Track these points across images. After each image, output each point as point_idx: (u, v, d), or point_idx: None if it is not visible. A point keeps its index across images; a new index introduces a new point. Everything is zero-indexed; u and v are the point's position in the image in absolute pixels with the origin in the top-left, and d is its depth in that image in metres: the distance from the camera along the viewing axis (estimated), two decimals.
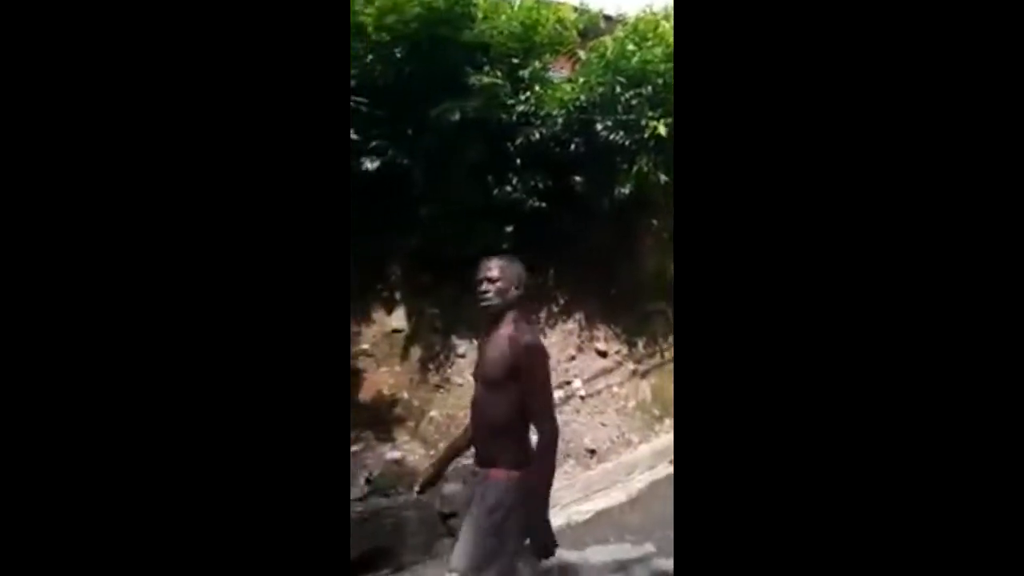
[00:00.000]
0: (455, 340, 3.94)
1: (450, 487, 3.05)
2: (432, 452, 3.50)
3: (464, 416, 3.71)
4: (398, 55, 3.84)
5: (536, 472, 1.40)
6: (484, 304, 1.50)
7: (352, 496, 2.85)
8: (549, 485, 1.42)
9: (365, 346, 4.05)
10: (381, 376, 4.02)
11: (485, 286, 1.49)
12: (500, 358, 1.43)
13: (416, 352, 3.94)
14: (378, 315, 4.12)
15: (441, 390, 3.75)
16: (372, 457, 3.09)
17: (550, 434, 1.41)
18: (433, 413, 3.63)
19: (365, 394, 4.00)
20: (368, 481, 2.92)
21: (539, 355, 1.44)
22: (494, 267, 1.50)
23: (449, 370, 3.83)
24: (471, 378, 3.94)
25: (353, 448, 3.42)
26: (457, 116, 3.51)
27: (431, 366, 3.85)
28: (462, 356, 3.90)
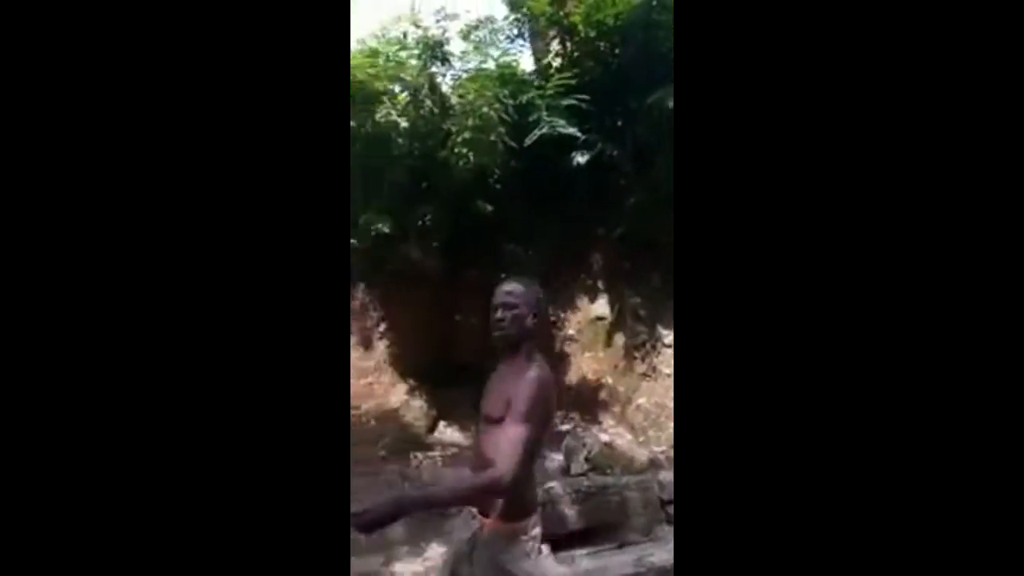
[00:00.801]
0: (661, 330, 3.91)
1: (666, 474, 3.07)
2: (641, 439, 3.55)
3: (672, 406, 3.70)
4: (602, 48, 3.92)
5: (446, 486, 1.34)
6: (499, 334, 1.37)
7: (573, 471, 3.03)
8: (438, 501, 1.40)
9: (571, 332, 4.26)
10: (585, 361, 4.19)
11: (501, 313, 1.36)
12: (501, 394, 1.30)
13: (620, 340, 4.01)
14: (582, 303, 4.30)
15: (648, 378, 3.77)
16: (589, 436, 3.24)
17: (494, 476, 1.19)
18: (641, 401, 3.67)
19: (571, 377, 4.22)
20: (587, 459, 3.07)
21: (537, 389, 1.26)
22: (511, 293, 1.37)
23: (656, 359, 3.82)
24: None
25: (562, 427, 3.63)
26: (671, 103, 3.45)
27: (637, 355, 3.88)
28: (668, 346, 3.86)
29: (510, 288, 1.39)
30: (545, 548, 1.42)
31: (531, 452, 1.25)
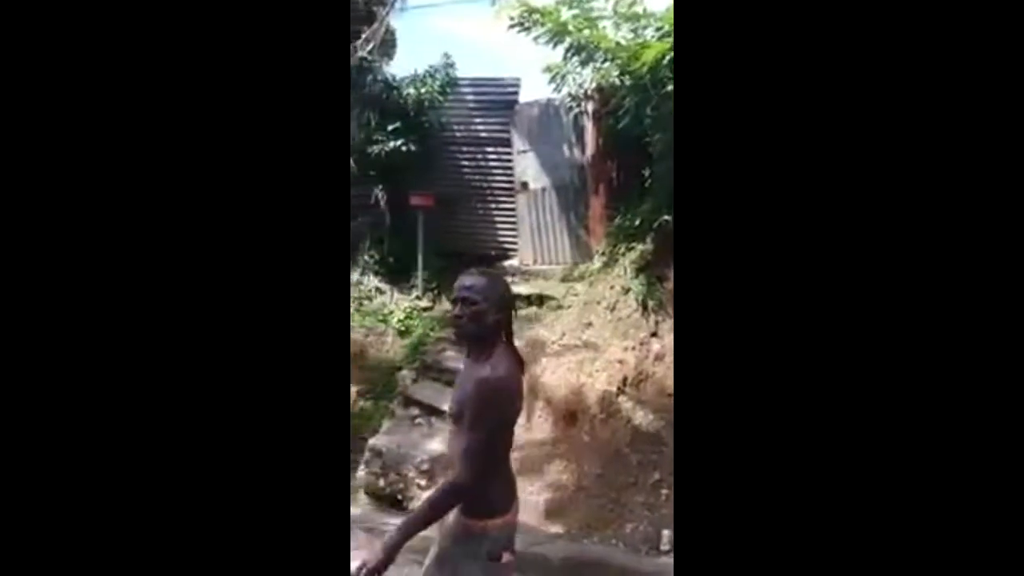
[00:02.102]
0: None
1: None
2: None
3: None
4: None
5: (420, 507, 1.31)
6: (457, 332, 1.37)
7: None
8: (414, 526, 1.26)
9: None
10: None
11: (459, 309, 1.32)
12: (456, 393, 1.35)
13: None
14: None
15: None
16: None
17: (448, 486, 1.26)
18: None
19: None
20: None
21: (483, 392, 1.24)
22: (471, 288, 1.32)
23: None
24: None
25: None
26: None
27: None
28: None
29: (470, 282, 1.32)
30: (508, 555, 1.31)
31: (485, 455, 1.26)
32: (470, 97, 5.13)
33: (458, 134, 5.18)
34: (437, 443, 3.48)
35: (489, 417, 1.24)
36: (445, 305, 4.89)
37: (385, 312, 4.66)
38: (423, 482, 3.24)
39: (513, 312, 1.38)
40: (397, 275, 5.01)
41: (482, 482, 1.27)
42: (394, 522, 3.12)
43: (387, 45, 4.59)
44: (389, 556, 1.23)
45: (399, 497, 3.22)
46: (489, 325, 1.30)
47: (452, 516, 1.32)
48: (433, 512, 1.28)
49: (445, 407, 3.74)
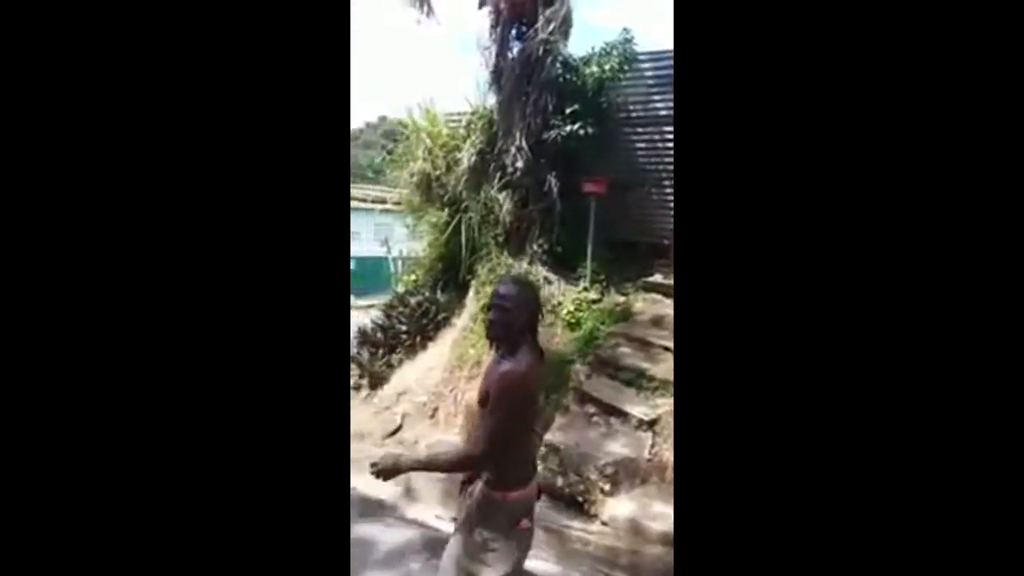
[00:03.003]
0: None
1: None
2: None
3: None
4: None
5: (433, 453, 1.79)
6: (490, 335, 1.55)
7: None
8: (425, 464, 1.59)
9: None
10: None
11: (493, 315, 1.52)
12: (483, 382, 1.52)
13: None
14: None
15: None
16: None
17: (464, 452, 1.67)
18: None
19: None
20: None
21: (505, 383, 1.43)
22: (504, 296, 1.51)
23: None
24: None
25: None
26: None
27: None
28: None
29: (504, 291, 1.53)
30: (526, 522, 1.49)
31: (500, 437, 1.44)
32: (649, 73, 4.74)
33: (634, 114, 4.82)
34: (619, 445, 3.23)
35: (511, 403, 1.44)
36: (615, 298, 4.60)
37: (554, 303, 4.52)
38: (607, 487, 3.01)
39: (540, 314, 1.58)
40: (565, 265, 4.85)
41: (504, 458, 1.47)
42: (572, 524, 2.99)
43: (565, 24, 4.39)
44: (396, 468, 1.50)
45: (580, 499, 3.04)
46: (517, 328, 1.51)
47: (477, 487, 1.52)
48: (444, 465, 1.58)
49: (624, 407, 3.50)
